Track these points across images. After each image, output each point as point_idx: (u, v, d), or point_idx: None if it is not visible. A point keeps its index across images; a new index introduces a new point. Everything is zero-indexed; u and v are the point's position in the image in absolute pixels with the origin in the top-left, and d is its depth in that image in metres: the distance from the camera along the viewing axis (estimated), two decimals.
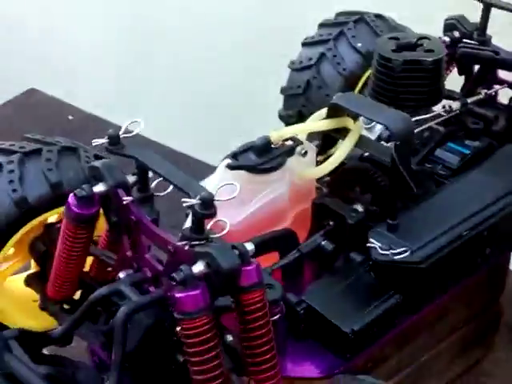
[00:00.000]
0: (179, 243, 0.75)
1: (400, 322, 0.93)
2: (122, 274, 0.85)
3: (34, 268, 1.08)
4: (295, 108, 1.27)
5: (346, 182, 1.02)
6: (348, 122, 0.99)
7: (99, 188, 0.82)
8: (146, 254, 0.81)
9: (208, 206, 0.72)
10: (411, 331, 0.99)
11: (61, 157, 0.97)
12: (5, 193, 0.93)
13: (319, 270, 0.97)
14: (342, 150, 0.97)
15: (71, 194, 0.83)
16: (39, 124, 1.80)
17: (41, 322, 1.02)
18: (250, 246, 0.75)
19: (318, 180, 1.06)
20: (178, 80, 2.01)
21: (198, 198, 0.71)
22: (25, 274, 1.06)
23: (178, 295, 0.70)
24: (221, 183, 0.92)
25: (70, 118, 1.85)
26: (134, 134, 0.82)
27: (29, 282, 1.04)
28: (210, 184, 0.95)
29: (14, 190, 0.93)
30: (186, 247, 0.74)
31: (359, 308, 0.89)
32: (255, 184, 0.96)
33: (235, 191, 0.76)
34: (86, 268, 0.97)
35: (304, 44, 1.30)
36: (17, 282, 1.08)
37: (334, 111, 0.99)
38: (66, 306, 0.95)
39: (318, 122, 0.99)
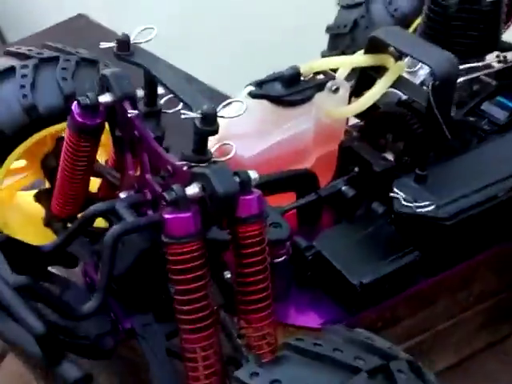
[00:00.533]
0: (178, 163, 0.69)
1: (417, 282, 0.86)
2: (122, 195, 0.80)
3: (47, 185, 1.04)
4: (339, 49, 1.19)
5: (379, 128, 0.94)
6: (388, 60, 0.90)
7: (105, 98, 0.76)
8: (147, 175, 0.76)
9: (210, 121, 0.65)
10: (429, 295, 0.91)
11: (78, 68, 0.92)
12: (15, 98, 0.89)
13: (338, 217, 0.90)
14: (375, 90, 0.89)
15: (75, 102, 0.77)
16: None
17: (49, 240, 0.98)
18: (253, 175, 0.68)
19: (349, 123, 0.99)
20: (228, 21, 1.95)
21: (199, 111, 0.65)
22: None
23: (166, 216, 0.65)
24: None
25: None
26: (146, 40, 0.75)
27: (38, 197, 1.00)
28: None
29: (25, 96, 0.88)
30: (185, 167, 0.68)
31: (372, 261, 0.82)
32: (278, 116, 0.89)
33: (242, 109, 0.69)
34: (95, 189, 0.93)
35: None
36: (27, 198, 1.04)
37: (375, 47, 0.91)
38: (69, 225, 0.91)
39: (354, 56, 0.91)
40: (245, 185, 0.67)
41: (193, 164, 0.69)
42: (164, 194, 0.65)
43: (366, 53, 0.91)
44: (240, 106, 0.88)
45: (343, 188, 0.88)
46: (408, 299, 0.89)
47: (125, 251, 0.75)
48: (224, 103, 0.67)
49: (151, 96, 0.76)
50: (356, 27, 1.18)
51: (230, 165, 0.86)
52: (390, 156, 0.92)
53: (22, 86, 0.88)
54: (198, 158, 0.69)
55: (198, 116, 0.65)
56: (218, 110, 0.66)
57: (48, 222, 0.92)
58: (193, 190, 0.65)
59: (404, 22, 1.16)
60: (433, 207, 0.81)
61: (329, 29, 1.22)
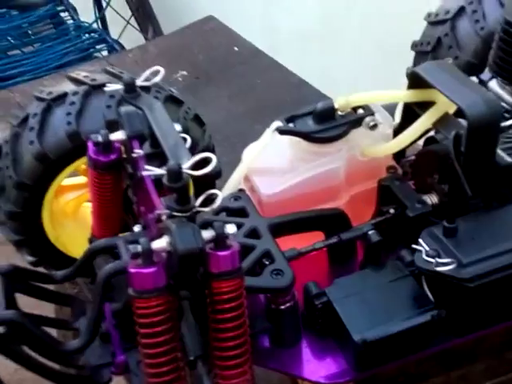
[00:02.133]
0: (158, 212, 0.69)
1: (441, 342, 0.78)
2: (136, 228, 0.81)
3: None
4: None
5: (427, 167, 0.87)
6: (435, 96, 0.83)
7: (116, 136, 0.78)
8: (150, 214, 0.76)
9: (174, 178, 0.64)
10: (464, 353, 0.84)
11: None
12: (61, 124, 0.92)
13: (363, 263, 0.85)
14: (415, 127, 0.82)
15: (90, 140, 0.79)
16: (204, 52, 1.79)
17: None
18: (231, 229, 0.66)
19: (401, 158, 0.92)
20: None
21: (164, 168, 0.64)
22: None
23: (130, 269, 0.65)
24: (265, 149, 0.84)
25: (236, 49, 1.81)
26: (152, 82, 0.75)
27: None
28: (252, 149, 0.87)
29: (69, 123, 0.92)
30: (164, 217, 0.68)
31: (386, 316, 0.77)
32: (307, 153, 0.85)
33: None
34: None
35: None
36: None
37: (419, 81, 0.84)
38: None
39: (397, 91, 0.84)
40: (219, 240, 0.66)
41: (174, 213, 0.68)
42: (129, 246, 0.65)
43: (409, 88, 0.84)
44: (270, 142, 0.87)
45: (369, 232, 0.83)
46: (436, 356, 0.83)
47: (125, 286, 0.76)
48: (194, 159, 0.65)
49: (154, 138, 0.76)
50: (439, 45, 1.09)
51: (253, 201, 0.86)
52: (431, 199, 0.85)
53: (69, 113, 0.92)
54: (178, 207, 0.68)
55: (163, 172, 0.64)
56: (185, 166, 0.64)
57: (90, 241, 0.96)
58: (160, 243, 0.64)
59: (491, 41, 1.06)
60: (454, 266, 0.74)
61: (413, 45, 1.14)
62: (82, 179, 1.07)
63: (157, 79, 0.77)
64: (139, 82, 0.79)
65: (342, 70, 2.01)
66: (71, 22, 2.60)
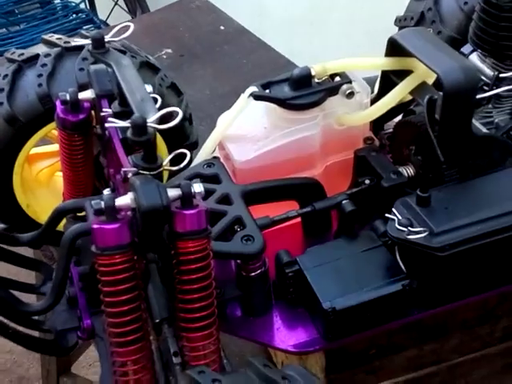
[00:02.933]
0: (125, 169, 0.67)
1: (412, 312, 0.77)
2: (106, 191, 0.79)
3: None
4: None
5: (404, 139, 0.86)
6: (412, 63, 0.82)
7: (85, 94, 0.76)
8: (117, 175, 0.74)
9: (139, 131, 0.62)
10: (436, 326, 0.83)
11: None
12: (32, 86, 0.91)
13: (337, 233, 0.83)
14: (391, 96, 0.81)
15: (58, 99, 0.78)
16: (189, 30, 1.77)
17: None
18: (198, 188, 0.64)
19: (380, 130, 0.91)
20: None
21: (128, 121, 0.62)
22: None
23: (93, 225, 0.63)
24: (240, 114, 0.83)
25: (222, 28, 1.79)
26: (120, 38, 0.74)
27: None
28: (226, 116, 0.86)
29: (40, 85, 0.90)
30: (130, 174, 0.66)
31: (356, 285, 0.75)
32: (282, 121, 0.84)
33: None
34: None
35: None
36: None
37: (396, 49, 0.82)
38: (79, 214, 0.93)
39: (374, 58, 0.83)
40: (185, 198, 0.64)
41: (140, 171, 0.66)
42: (92, 201, 0.63)
43: (386, 55, 0.83)
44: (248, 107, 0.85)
45: (343, 202, 0.81)
46: (408, 329, 0.82)
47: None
48: (160, 112, 0.63)
49: (122, 95, 0.74)
50: (422, 20, 1.07)
51: (228, 169, 0.84)
52: (407, 170, 0.84)
53: (40, 75, 0.90)
54: (145, 165, 0.66)
55: (127, 125, 0.62)
56: (151, 119, 0.62)
57: None
58: (124, 200, 0.63)
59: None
60: (425, 235, 0.73)
61: (396, 20, 1.12)
62: (55, 147, 1.05)
63: (126, 35, 0.75)
64: (108, 37, 0.77)
65: (329, 52, 1.98)
66: (58, 1, 2.58)
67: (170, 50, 1.71)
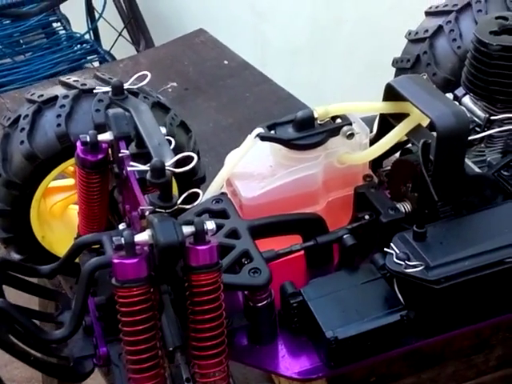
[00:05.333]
0: (142, 207, 0.72)
1: (410, 342, 0.82)
2: (121, 226, 0.85)
3: None
4: None
5: (401, 176, 0.91)
6: (408, 107, 0.87)
7: (103, 136, 0.81)
8: (134, 212, 0.79)
9: (157, 174, 0.68)
10: (433, 355, 0.87)
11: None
12: (51, 126, 0.96)
13: (339, 266, 0.88)
14: (388, 137, 0.86)
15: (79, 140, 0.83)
16: (194, 64, 1.83)
17: None
18: (210, 225, 0.69)
19: (378, 167, 0.96)
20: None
21: (148, 165, 0.68)
22: None
23: (114, 260, 0.68)
24: (247, 153, 0.88)
25: (226, 62, 1.86)
26: (138, 86, 0.79)
27: None
28: (234, 154, 0.91)
29: (59, 125, 0.95)
30: (147, 213, 0.71)
31: (357, 315, 0.80)
32: (286, 160, 0.89)
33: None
34: None
35: (427, 13, 1.16)
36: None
37: (394, 94, 0.88)
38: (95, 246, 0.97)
39: (373, 102, 0.89)
40: (199, 235, 0.69)
41: (156, 209, 0.71)
42: (113, 237, 0.68)
43: (384, 100, 0.88)
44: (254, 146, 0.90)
45: (345, 236, 0.86)
46: (406, 357, 0.86)
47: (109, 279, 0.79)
48: (177, 157, 0.69)
49: (140, 139, 0.79)
50: (418, 63, 1.13)
51: (235, 205, 0.89)
52: (404, 206, 0.89)
53: (59, 116, 0.96)
54: (161, 204, 0.71)
55: (147, 168, 0.68)
56: (168, 163, 0.68)
57: None
58: (142, 237, 0.68)
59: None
60: (422, 268, 0.78)
61: (394, 62, 1.18)
62: (69, 181, 1.10)
63: (143, 83, 0.80)
64: (127, 85, 0.82)
65: (330, 85, 2.05)
66: (63, 32, 2.63)
67: (175, 84, 1.76)
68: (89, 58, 2.54)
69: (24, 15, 2.59)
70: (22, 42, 2.62)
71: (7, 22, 2.59)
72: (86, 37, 2.59)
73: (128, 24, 2.57)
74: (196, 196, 0.72)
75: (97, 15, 2.59)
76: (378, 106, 0.88)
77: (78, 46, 2.60)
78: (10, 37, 2.55)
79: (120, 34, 2.59)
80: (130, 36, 2.60)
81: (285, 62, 2.20)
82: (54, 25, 2.65)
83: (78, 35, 2.59)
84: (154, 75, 1.77)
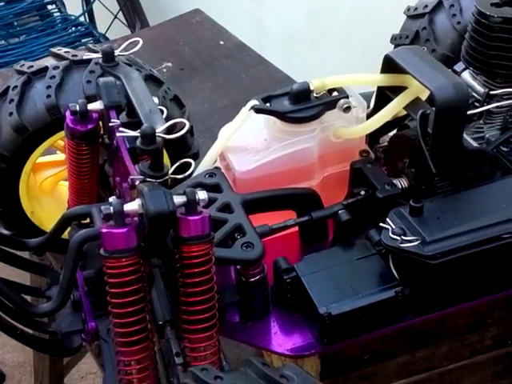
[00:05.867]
0: (132, 177, 0.70)
1: (405, 319, 0.80)
2: (111, 199, 0.82)
3: None
4: None
5: (398, 151, 0.89)
6: (406, 80, 0.85)
7: (93, 105, 0.79)
8: (124, 183, 0.78)
9: (148, 141, 0.66)
10: (428, 333, 0.86)
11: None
12: (41, 97, 0.94)
13: (333, 241, 0.87)
14: (386, 111, 0.84)
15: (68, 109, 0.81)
16: (189, 44, 1.81)
17: None
18: (202, 195, 0.67)
19: (375, 143, 0.94)
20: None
21: (138, 130, 0.66)
22: None
23: (102, 230, 0.66)
24: (242, 127, 0.86)
25: (222, 43, 1.83)
26: (129, 52, 0.77)
27: None
28: (228, 127, 0.89)
29: (49, 96, 0.93)
30: (137, 182, 0.69)
31: (351, 291, 0.78)
32: (282, 133, 0.87)
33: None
34: None
35: None
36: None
37: (392, 66, 0.86)
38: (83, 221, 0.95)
39: (371, 74, 0.87)
40: (190, 205, 0.67)
41: (147, 179, 0.69)
42: (102, 207, 0.66)
43: (382, 72, 0.86)
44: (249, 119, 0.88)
45: (339, 212, 0.85)
46: (399, 335, 0.85)
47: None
48: (168, 123, 0.67)
49: (130, 107, 0.77)
50: (417, 39, 1.11)
51: (228, 179, 0.87)
52: (401, 182, 0.87)
53: (49, 87, 0.93)
54: (151, 173, 0.69)
55: (137, 134, 0.66)
56: (159, 129, 0.66)
57: None
58: (132, 206, 0.66)
59: None
60: (418, 243, 0.76)
61: (392, 38, 1.16)
62: (60, 157, 1.08)
63: (135, 49, 0.78)
64: (118, 51, 0.80)
65: (327, 69, 2.02)
66: (58, 14, 2.60)
67: (170, 64, 1.74)
68: (84, 40, 2.50)
69: None
70: (16, 24, 2.59)
71: (1, 3, 2.56)
72: (81, 19, 2.56)
73: (124, 6, 2.55)
74: (188, 166, 0.70)
75: None
76: (376, 79, 0.86)
77: (73, 28, 2.57)
78: (4, 19, 2.53)
79: (115, 17, 2.56)
80: (125, 19, 2.57)
81: (282, 46, 2.18)
82: (49, 7, 2.61)
83: (73, 17, 2.56)
84: (149, 55, 1.76)
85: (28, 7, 2.55)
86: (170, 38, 1.84)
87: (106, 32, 2.54)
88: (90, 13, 2.58)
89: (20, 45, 2.46)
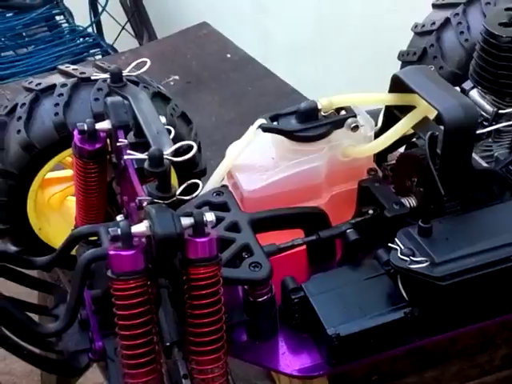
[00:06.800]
0: (139, 198, 0.70)
1: (414, 340, 0.80)
2: (118, 217, 0.82)
3: None
4: None
5: (406, 170, 0.89)
6: (414, 99, 0.85)
7: (101, 125, 0.79)
8: (132, 203, 0.77)
9: (155, 163, 0.66)
10: (437, 354, 0.85)
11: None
12: (49, 115, 0.94)
13: (341, 261, 0.86)
14: (394, 131, 0.84)
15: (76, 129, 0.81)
16: (197, 57, 1.81)
17: None
18: (210, 217, 0.67)
19: (383, 162, 0.94)
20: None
21: (145, 153, 0.66)
22: None
23: (109, 251, 0.66)
24: (249, 145, 0.86)
25: (229, 56, 1.84)
26: (137, 73, 0.77)
27: None
28: (235, 146, 0.89)
29: (56, 114, 0.93)
30: (145, 203, 0.69)
31: (360, 312, 0.78)
32: (289, 152, 0.87)
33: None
34: None
35: (434, 5, 1.14)
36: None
37: (400, 85, 0.86)
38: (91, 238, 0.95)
39: (379, 94, 0.86)
40: (198, 227, 0.67)
41: (154, 200, 0.69)
42: (109, 228, 0.66)
43: (390, 91, 0.86)
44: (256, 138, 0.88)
45: (347, 231, 0.84)
46: (408, 355, 0.84)
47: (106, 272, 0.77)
48: (176, 146, 0.66)
49: (139, 127, 0.77)
50: (424, 56, 1.11)
51: (236, 198, 0.87)
52: (409, 201, 0.87)
53: (56, 104, 0.94)
54: (159, 194, 0.69)
55: (145, 157, 0.66)
56: (167, 152, 0.66)
57: None
58: (139, 228, 0.66)
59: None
60: (427, 264, 0.76)
61: (400, 55, 1.16)
62: (68, 173, 1.08)
63: (143, 70, 0.78)
64: (126, 72, 0.80)
65: (333, 80, 2.03)
66: (66, 25, 2.61)
67: (177, 77, 1.74)
68: (91, 51, 2.51)
69: (27, 8, 2.57)
70: (24, 34, 2.60)
71: (10, 14, 2.57)
72: (89, 30, 2.57)
73: (131, 17, 2.56)
74: (195, 187, 0.70)
75: (100, 8, 2.57)
76: (384, 98, 0.86)
77: (81, 39, 2.58)
78: (12, 29, 2.54)
79: (123, 28, 2.57)
80: (133, 30, 2.58)
81: (288, 57, 2.19)
82: (57, 18, 2.62)
83: (81, 28, 2.57)
84: (156, 68, 1.77)
85: (36, 18, 2.56)
86: (177, 51, 1.85)
87: (113, 43, 2.54)
88: (97, 24, 2.59)
89: (28, 55, 2.46)
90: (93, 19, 2.56)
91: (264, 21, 2.25)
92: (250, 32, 2.26)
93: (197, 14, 2.27)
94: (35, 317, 0.81)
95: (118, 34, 2.56)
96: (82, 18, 2.57)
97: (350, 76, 1.98)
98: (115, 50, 2.46)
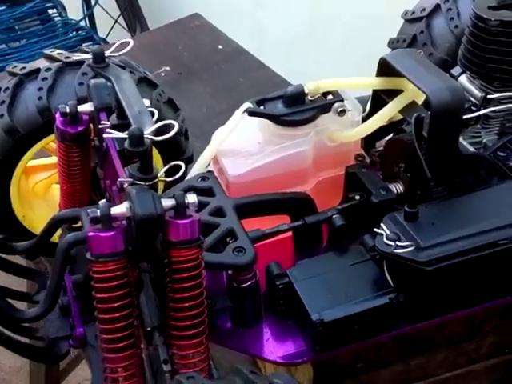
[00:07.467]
0: (121, 179, 0.69)
1: (399, 326, 0.79)
2: (101, 202, 0.81)
3: None
4: None
5: (394, 156, 0.88)
6: (402, 83, 0.84)
7: (84, 107, 0.78)
8: (114, 186, 0.76)
9: (136, 142, 0.64)
10: (423, 341, 0.84)
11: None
12: (32, 99, 0.93)
13: (327, 247, 0.85)
14: (381, 114, 0.83)
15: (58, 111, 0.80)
16: (188, 49, 1.80)
17: None
18: (192, 199, 0.66)
19: (371, 148, 0.93)
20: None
21: (125, 132, 0.64)
22: None
23: (88, 233, 0.65)
24: (234, 129, 0.85)
25: (220, 47, 1.82)
26: (120, 53, 0.76)
27: None
28: (221, 131, 0.88)
29: (40, 98, 0.92)
30: (126, 185, 0.68)
31: (345, 298, 0.77)
32: (275, 137, 0.86)
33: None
34: None
35: None
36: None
37: (388, 69, 0.84)
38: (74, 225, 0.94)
39: (366, 78, 0.85)
40: (179, 208, 0.66)
41: (136, 182, 0.68)
42: (88, 210, 0.65)
43: (377, 75, 0.85)
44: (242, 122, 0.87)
45: (334, 217, 0.83)
46: (395, 342, 0.83)
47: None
48: (157, 125, 0.65)
49: (120, 108, 0.76)
50: (414, 42, 1.10)
51: (221, 183, 0.86)
52: (396, 187, 0.86)
53: (40, 89, 0.92)
54: (140, 176, 0.68)
55: (125, 136, 0.64)
56: (147, 131, 0.64)
57: None
58: (119, 209, 0.65)
59: None
60: (412, 249, 0.74)
61: (389, 42, 1.15)
62: (52, 160, 1.07)
63: (125, 50, 0.77)
64: (108, 52, 0.79)
65: (327, 73, 2.01)
66: (59, 18, 2.60)
67: (168, 68, 1.73)
68: (84, 44, 2.50)
69: (19, 1, 2.56)
70: (16, 28, 2.59)
71: (2, 7, 2.55)
72: (82, 24, 2.56)
73: (124, 11, 2.54)
74: (178, 168, 0.69)
75: (93, 2, 2.56)
76: (371, 82, 0.85)
77: (74, 32, 2.57)
78: (5, 23, 2.52)
79: (116, 21, 2.56)
80: (126, 23, 2.56)
81: (281, 51, 2.17)
82: (50, 11, 2.61)
83: (74, 22, 2.55)
84: (147, 59, 1.76)
85: (29, 11, 2.55)
86: (169, 42, 1.83)
87: (106, 36, 2.53)
88: (90, 17, 2.58)
89: (20, 49, 2.45)
90: (85, 12, 2.54)
91: (257, 13, 2.24)
92: (243, 24, 2.25)
93: (189, 6, 2.26)
94: (23, 305, 0.80)
95: (111, 28, 2.55)
96: (75, 12, 2.56)
97: (344, 68, 1.96)
98: (108, 44, 2.45)
